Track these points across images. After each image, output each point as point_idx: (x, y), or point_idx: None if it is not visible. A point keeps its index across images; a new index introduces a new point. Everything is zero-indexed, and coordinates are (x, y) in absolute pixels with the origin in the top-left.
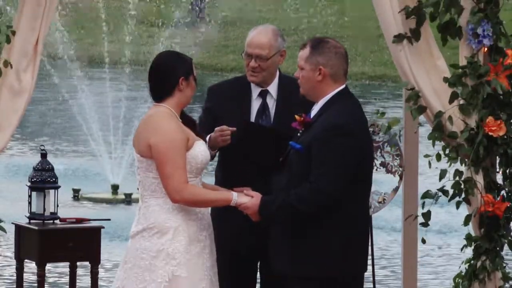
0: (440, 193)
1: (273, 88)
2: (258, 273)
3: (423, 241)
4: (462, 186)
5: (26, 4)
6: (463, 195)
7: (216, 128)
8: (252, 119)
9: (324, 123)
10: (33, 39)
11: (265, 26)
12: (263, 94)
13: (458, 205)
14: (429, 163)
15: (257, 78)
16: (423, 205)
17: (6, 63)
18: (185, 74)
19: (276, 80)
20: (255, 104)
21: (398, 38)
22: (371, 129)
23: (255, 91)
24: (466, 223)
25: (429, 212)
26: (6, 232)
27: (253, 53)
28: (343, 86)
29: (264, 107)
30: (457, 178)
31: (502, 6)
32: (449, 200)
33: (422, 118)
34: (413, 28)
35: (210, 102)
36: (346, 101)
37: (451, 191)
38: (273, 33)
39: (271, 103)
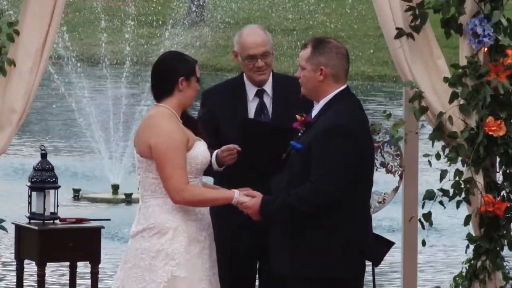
0: (440, 194)
1: (268, 87)
2: (258, 273)
3: (423, 243)
4: (462, 186)
5: (29, 4)
6: (463, 195)
7: (223, 148)
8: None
9: (325, 123)
10: (39, 40)
11: (251, 26)
12: (260, 94)
13: (458, 204)
14: (429, 162)
15: (266, 75)
16: (423, 205)
17: (10, 62)
18: (185, 75)
19: (270, 78)
20: (253, 104)
21: (399, 33)
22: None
23: (251, 91)
24: (466, 223)
25: (429, 213)
26: (7, 231)
27: (258, 53)
28: (344, 86)
29: (262, 106)
30: (457, 178)
31: (506, 3)
32: (450, 200)
33: (422, 118)
34: (413, 25)
35: (207, 106)
36: (347, 101)
37: (451, 191)
38: (261, 29)
39: (268, 102)
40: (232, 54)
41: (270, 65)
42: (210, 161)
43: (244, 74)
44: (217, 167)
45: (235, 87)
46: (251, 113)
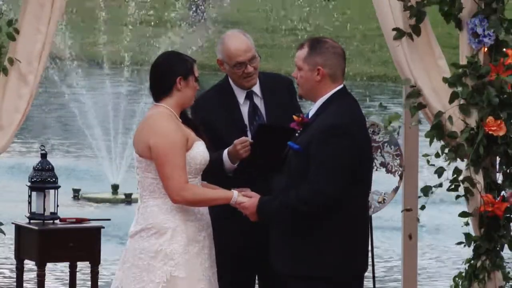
0: (435, 189)
1: (256, 88)
2: (258, 273)
3: (410, 237)
4: (461, 185)
5: (28, 4)
6: (461, 192)
7: (235, 142)
8: (246, 122)
9: (322, 123)
10: (39, 41)
11: (233, 32)
12: (249, 96)
13: (457, 198)
14: (428, 161)
15: (256, 80)
16: (422, 203)
17: (11, 61)
18: (183, 74)
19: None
20: (244, 107)
21: (398, 33)
22: (371, 129)
23: (241, 94)
24: (462, 217)
25: (423, 206)
26: (5, 234)
27: (247, 59)
28: (341, 86)
29: (254, 108)
30: (455, 176)
31: (507, 3)
32: (448, 190)
33: (422, 116)
34: (412, 25)
35: (201, 114)
36: (344, 101)
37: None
38: (244, 34)
39: (259, 103)
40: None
41: (257, 68)
42: (222, 164)
43: (230, 79)
44: (231, 164)
45: (224, 93)
46: (245, 117)
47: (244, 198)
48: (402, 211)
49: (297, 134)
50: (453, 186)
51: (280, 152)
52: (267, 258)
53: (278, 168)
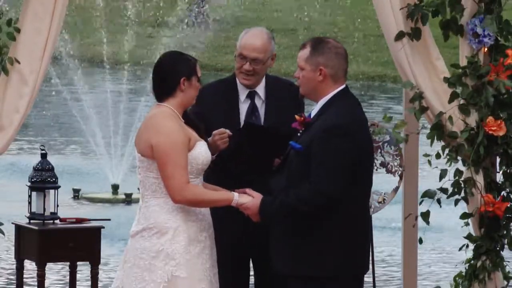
0: (440, 193)
1: (261, 89)
2: (258, 273)
3: (420, 241)
4: (462, 186)
5: (30, 3)
6: (462, 194)
7: (214, 132)
8: (242, 120)
9: (324, 123)
10: (40, 41)
11: (259, 29)
12: (251, 95)
13: (456, 202)
14: (429, 162)
15: (250, 81)
16: (420, 203)
17: (11, 60)
18: (187, 75)
19: (263, 81)
20: (244, 106)
21: (399, 35)
22: (371, 129)
23: (243, 92)
24: (463, 219)
25: (428, 212)
26: (4, 235)
27: (249, 56)
28: (343, 86)
29: (253, 108)
30: (456, 178)
31: (505, 4)
32: (448, 197)
33: (424, 118)
34: (413, 27)
35: (200, 107)
36: (346, 101)
37: (450, 190)
38: (268, 37)
39: (260, 104)
40: (231, 54)
41: (259, 72)
42: None
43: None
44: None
45: (227, 88)
46: (242, 115)
47: (246, 199)
48: (405, 218)
49: (299, 134)
50: (456, 190)
51: (269, 156)
52: (268, 258)
53: (266, 171)
